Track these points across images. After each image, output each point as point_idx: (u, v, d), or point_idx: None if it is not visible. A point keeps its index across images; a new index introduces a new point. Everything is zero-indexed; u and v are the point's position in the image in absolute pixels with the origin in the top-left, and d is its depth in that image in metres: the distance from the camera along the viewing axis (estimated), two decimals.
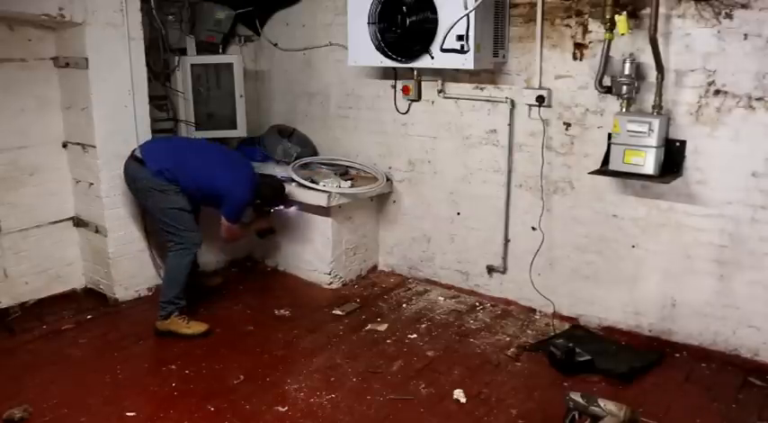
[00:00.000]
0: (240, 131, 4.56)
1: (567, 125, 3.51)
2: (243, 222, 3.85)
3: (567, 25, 3.41)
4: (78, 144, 3.91)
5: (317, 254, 4.24)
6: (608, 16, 3.09)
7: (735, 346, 3.21)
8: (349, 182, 4.09)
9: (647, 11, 3.04)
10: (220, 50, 4.63)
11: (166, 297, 3.58)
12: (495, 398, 2.97)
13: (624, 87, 3.16)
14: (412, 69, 3.85)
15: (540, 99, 3.51)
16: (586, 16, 3.34)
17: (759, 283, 3.09)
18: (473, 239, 4.02)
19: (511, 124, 3.70)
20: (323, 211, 4.06)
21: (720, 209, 3.13)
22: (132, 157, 3.64)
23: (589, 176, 3.35)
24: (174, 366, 3.25)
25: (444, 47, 3.41)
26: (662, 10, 3.02)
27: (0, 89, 3.67)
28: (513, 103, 3.66)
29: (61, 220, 4.05)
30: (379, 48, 3.67)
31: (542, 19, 3.46)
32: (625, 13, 3.00)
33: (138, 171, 3.57)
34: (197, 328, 3.55)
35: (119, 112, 3.86)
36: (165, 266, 3.72)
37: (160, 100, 4.29)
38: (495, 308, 3.92)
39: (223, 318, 3.83)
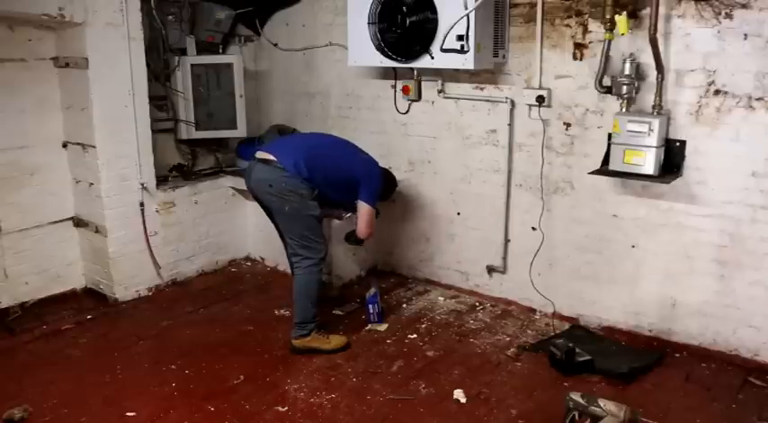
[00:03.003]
0: (240, 131, 4.56)
1: (567, 125, 3.51)
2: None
3: (567, 25, 3.41)
4: (78, 144, 3.91)
5: None
6: (608, 16, 3.09)
7: (735, 346, 3.21)
8: None
9: (647, 11, 3.04)
10: (220, 50, 4.63)
11: (304, 317, 3.37)
12: (495, 398, 2.97)
13: (624, 87, 3.16)
14: (412, 69, 3.85)
15: (540, 99, 3.51)
16: (586, 16, 3.34)
17: (759, 283, 3.09)
18: (473, 239, 4.02)
19: (511, 124, 3.70)
20: None
21: (720, 209, 3.13)
22: (257, 160, 3.37)
23: (589, 176, 3.35)
24: (174, 366, 3.26)
25: (444, 47, 3.40)
26: (662, 10, 3.02)
27: (0, 89, 3.67)
28: (513, 103, 3.66)
29: (61, 220, 4.05)
30: (379, 48, 3.67)
31: (542, 19, 3.46)
32: (625, 13, 3.00)
33: (271, 172, 3.27)
34: (337, 341, 3.39)
35: (119, 112, 3.86)
36: (297, 285, 3.39)
37: (160, 100, 4.29)
38: (495, 308, 3.92)
39: (223, 318, 3.84)
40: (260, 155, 3.37)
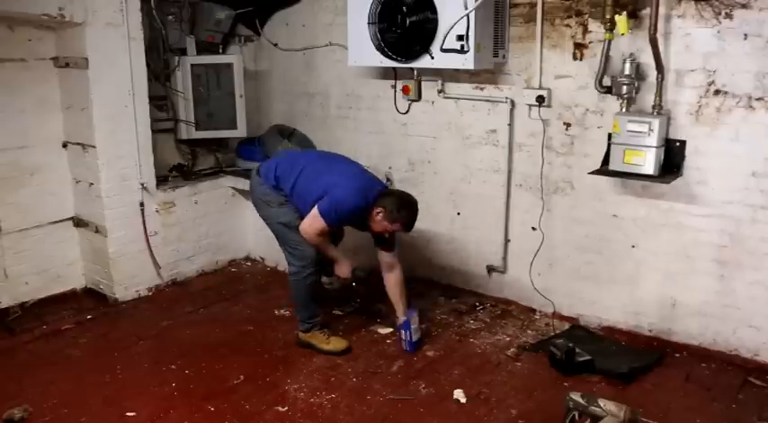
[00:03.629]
0: (240, 131, 4.56)
1: (567, 125, 3.51)
2: (330, 231, 3.31)
3: (567, 25, 3.41)
4: (78, 144, 3.91)
5: None
6: (608, 16, 3.09)
7: (735, 346, 3.21)
8: None
9: (647, 11, 3.04)
10: (220, 50, 4.63)
11: (301, 317, 3.43)
12: (495, 398, 2.97)
13: (624, 87, 3.16)
14: (412, 69, 3.85)
15: (540, 99, 3.51)
16: (586, 16, 3.34)
17: (759, 283, 3.09)
18: (473, 239, 4.02)
19: (511, 124, 3.70)
20: None
21: (720, 209, 3.13)
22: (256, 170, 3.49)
23: (589, 176, 3.34)
24: (174, 366, 3.26)
25: (444, 47, 3.40)
26: (662, 10, 3.02)
27: (0, 89, 3.67)
28: (513, 103, 3.66)
29: (61, 220, 4.05)
30: (379, 48, 3.67)
31: (542, 19, 3.45)
32: (625, 13, 2.99)
33: (252, 180, 3.47)
34: (337, 344, 3.37)
35: (119, 112, 3.86)
36: (290, 290, 3.46)
37: (160, 100, 4.29)
38: (495, 308, 3.92)
39: (223, 318, 3.83)
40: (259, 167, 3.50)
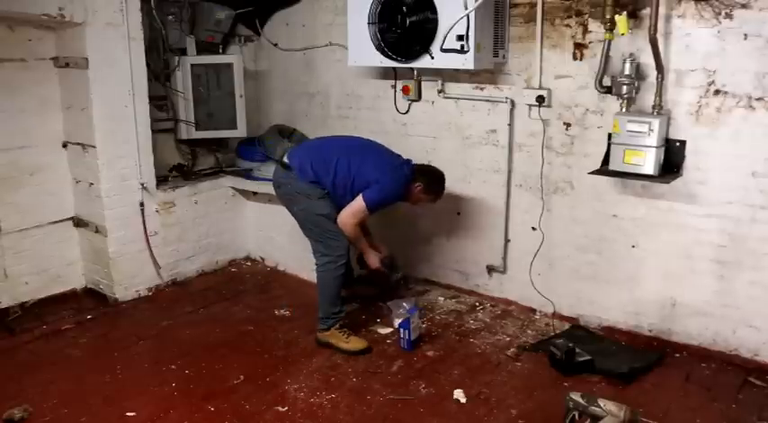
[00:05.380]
0: (240, 131, 4.57)
1: (567, 125, 3.51)
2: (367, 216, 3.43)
3: (567, 25, 3.41)
4: (78, 144, 3.91)
5: None
6: (608, 16, 3.09)
7: (735, 346, 3.21)
8: None
9: (647, 11, 3.04)
10: (220, 50, 4.63)
11: (323, 313, 3.43)
12: (495, 398, 2.97)
13: (624, 87, 3.16)
14: (412, 69, 3.85)
15: (540, 99, 3.51)
16: (586, 16, 3.34)
17: (759, 283, 3.09)
18: (473, 239, 4.02)
19: (511, 124, 3.70)
20: None
21: (720, 209, 3.13)
22: (279, 163, 3.50)
23: (589, 176, 3.34)
24: (174, 366, 3.26)
25: (444, 47, 3.40)
26: (662, 10, 3.02)
27: (0, 89, 3.67)
28: (513, 103, 3.66)
29: (61, 220, 4.05)
30: (379, 48, 3.67)
31: (542, 19, 3.45)
32: (625, 13, 2.99)
33: (282, 175, 3.42)
34: (356, 344, 3.37)
35: (119, 112, 3.86)
36: (318, 281, 3.45)
37: (160, 100, 4.29)
38: (495, 308, 3.92)
39: (223, 318, 3.83)
40: (283, 158, 3.49)
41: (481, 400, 2.95)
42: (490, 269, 3.98)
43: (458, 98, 3.89)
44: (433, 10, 3.39)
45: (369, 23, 3.64)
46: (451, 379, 3.13)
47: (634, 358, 3.23)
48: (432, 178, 3.53)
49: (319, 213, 3.35)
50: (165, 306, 4.01)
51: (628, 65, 3.14)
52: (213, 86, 4.46)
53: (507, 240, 3.88)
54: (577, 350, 3.16)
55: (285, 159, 3.44)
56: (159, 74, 4.26)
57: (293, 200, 3.42)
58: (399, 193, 3.42)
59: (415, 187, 3.45)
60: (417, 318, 3.48)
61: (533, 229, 3.73)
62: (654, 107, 3.11)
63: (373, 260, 3.61)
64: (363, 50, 3.73)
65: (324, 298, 3.44)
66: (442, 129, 4.01)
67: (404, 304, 3.70)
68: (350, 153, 3.42)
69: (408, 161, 3.55)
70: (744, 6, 2.90)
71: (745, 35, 2.92)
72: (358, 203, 3.32)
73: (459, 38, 3.33)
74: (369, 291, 4.03)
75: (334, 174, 3.34)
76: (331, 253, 3.38)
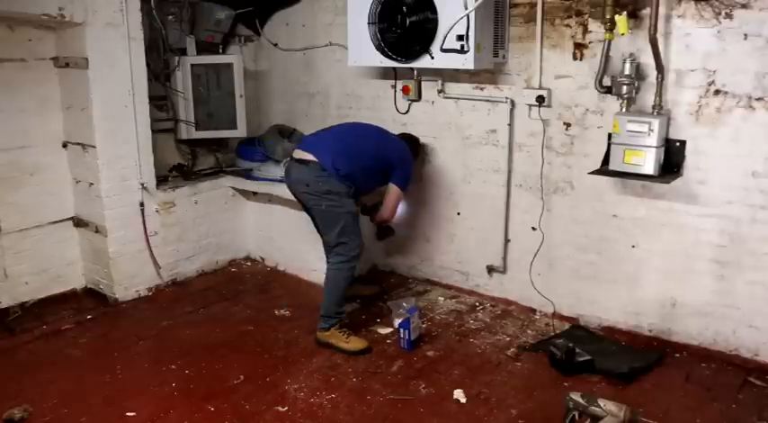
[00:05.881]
0: (240, 131, 4.57)
1: (567, 125, 3.51)
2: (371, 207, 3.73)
3: (567, 25, 3.41)
4: (78, 144, 3.91)
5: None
6: (608, 16, 3.09)
7: (735, 346, 3.21)
8: None
9: (647, 11, 3.04)
10: (220, 50, 4.63)
11: (326, 311, 3.41)
12: (495, 398, 2.97)
13: (624, 87, 3.16)
14: (412, 69, 3.85)
15: (540, 99, 3.51)
16: (586, 16, 3.34)
17: (759, 283, 3.09)
18: (473, 239, 4.02)
19: (511, 124, 3.70)
20: None
21: (720, 209, 3.13)
22: (293, 160, 3.44)
23: (589, 176, 3.34)
24: (174, 366, 3.26)
25: (444, 47, 3.40)
26: (662, 10, 3.02)
27: (0, 89, 3.67)
28: (513, 103, 3.66)
29: (61, 220, 4.05)
30: (379, 48, 3.67)
31: (542, 19, 3.45)
32: (625, 13, 2.99)
33: (308, 172, 3.33)
34: (356, 344, 3.36)
35: (119, 112, 3.86)
36: (326, 280, 3.44)
37: (160, 100, 4.29)
38: (495, 308, 3.92)
39: (223, 318, 3.83)
40: (297, 154, 3.43)
41: (481, 400, 2.95)
42: (490, 269, 3.98)
43: (458, 98, 3.89)
44: (433, 10, 3.39)
45: (369, 23, 3.64)
46: (451, 379, 3.12)
47: (634, 358, 3.23)
48: (415, 143, 3.90)
49: (348, 211, 3.36)
50: (165, 306, 4.01)
51: (628, 65, 3.14)
52: (213, 86, 4.46)
53: (507, 240, 3.88)
54: (577, 350, 3.16)
55: (305, 156, 3.35)
56: (159, 74, 4.25)
57: (320, 198, 3.33)
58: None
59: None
60: (417, 318, 3.48)
61: (533, 229, 3.73)
62: (654, 107, 3.11)
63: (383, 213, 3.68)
64: (363, 50, 3.73)
65: (330, 297, 3.42)
66: (442, 129, 4.01)
67: (404, 304, 3.71)
68: (369, 141, 3.55)
69: (400, 136, 3.80)
70: (744, 6, 2.90)
71: (745, 35, 2.92)
72: (395, 193, 3.52)
73: (459, 38, 3.33)
74: (369, 290, 4.04)
75: (363, 162, 3.40)
76: (347, 253, 3.38)
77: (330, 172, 3.30)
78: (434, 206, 4.14)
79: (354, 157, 3.38)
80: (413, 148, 3.78)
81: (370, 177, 3.48)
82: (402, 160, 3.54)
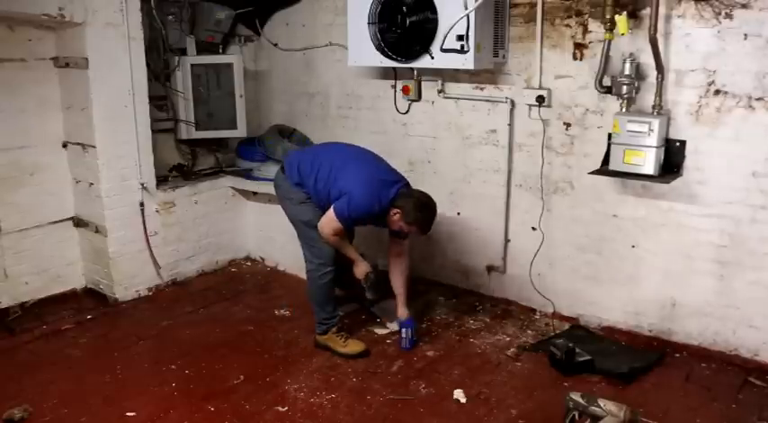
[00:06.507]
0: (240, 131, 4.57)
1: (567, 125, 3.51)
2: (346, 233, 3.35)
3: (567, 25, 3.41)
4: (78, 144, 3.91)
5: None
6: (608, 16, 3.09)
7: (735, 346, 3.21)
8: None
9: (647, 11, 3.04)
10: (220, 50, 4.63)
11: (317, 317, 3.41)
12: (495, 398, 2.97)
13: (624, 87, 3.15)
14: (412, 69, 3.85)
15: (540, 99, 3.51)
16: (586, 16, 3.34)
17: (759, 283, 3.09)
18: (473, 239, 4.02)
19: (511, 124, 3.70)
20: None
21: (720, 209, 3.13)
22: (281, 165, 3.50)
23: (589, 176, 3.34)
24: (174, 366, 3.26)
25: (444, 47, 3.40)
26: (662, 10, 3.02)
27: (0, 89, 3.67)
28: (513, 103, 3.66)
29: (61, 220, 4.05)
30: (379, 48, 3.67)
31: (542, 19, 3.45)
32: (625, 13, 2.99)
33: (277, 177, 3.46)
34: (354, 347, 3.34)
35: (119, 112, 3.86)
36: (306, 287, 3.46)
37: (160, 100, 4.29)
38: (495, 308, 3.92)
39: (223, 318, 3.83)
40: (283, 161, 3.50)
41: (481, 400, 2.95)
42: (490, 269, 3.98)
43: (458, 98, 3.89)
44: (433, 10, 3.39)
45: (369, 23, 3.64)
46: (451, 379, 3.13)
47: (634, 358, 3.23)
48: (415, 206, 3.14)
49: (300, 219, 3.34)
50: (165, 306, 4.01)
51: (628, 65, 3.14)
52: (213, 86, 4.46)
53: (507, 240, 3.88)
54: (577, 350, 3.16)
55: (282, 161, 3.46)
56: (159, 74, 4.25)
57: (283, 203, 3.45)
58: (372, 211, 3.15)
59: (393, 213, 3.16)
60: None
61: (533, 228, 3.73)
62: (654, 107, 3.11)
63: (359, 271, 3.42)
64: (363, 50, 3.73)
65: (314, 304, 3.43)
66: (441, 129, 4.01)
67: (389, 307, 3.67)
68: (337, 160, 3.29)
69: (401, 183, 3.27)
70: (744, 6, 2.90)
71: (745, 35, 2.92)
72: (329, 213, 3.17)
73: (459, 38, 3.33)
74: (371, 294, 3.99)
75: (315, 178, 3.25)
76: (313, 260, 3.35)
77: (287, 177, 3.36)
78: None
79: (308, 170, 3.27)
80: (408, 210, 3.14)
81: (320, 195, 3.26)
82: (353, 191, 3.13)
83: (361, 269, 3.42)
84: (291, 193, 3.35)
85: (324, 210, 3.24)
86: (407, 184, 3.33)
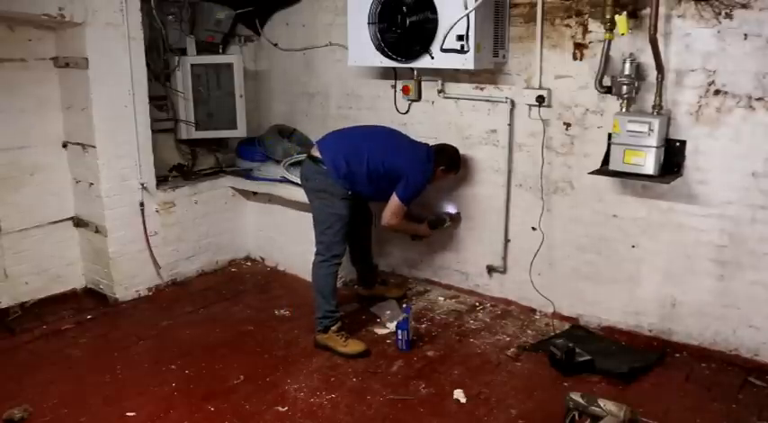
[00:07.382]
0: (240, 131, 4.57)
1: (567, 125, 3.51)
2: (410, 213, 3.69)
3: (567, 25, 3.41)
4: (78, 144, 3.91)
5: None
6: (608, 16, 3.09)
7: (735, 346, 3.21)
8: None
9: (647, 11, 3.04)
10: (220, 50, 4.63)
11: (318, 313, 3.43)
12: (495, 398, 2.97)
13: (624, 87, 3.15)
14: (412, 69, 3.85)
15: (540, 99, 3.51)
16: (586, 16, 3.34)
17: (759, 283, 3.09)
18: (473, 239, 4.02)
19: (511, 124, 3.70)
20: None
21: (720, 209, 3.13)
22: (307, 156, 3.54)
23: (589, 176, 3.34)
24: (173, 366, 3.26)
25: (444, 47, 3.40)
26: (662, 10, 3.02)
27: (0, 89, 3.67)
28: (513, 103, 3.66)
29: (61, 220, 4.05)
30: (379, 48, 3.67)
31: (542, 19, 3.45)
32: (625, 13, 3.00)
33: (310, 168, 3.43)
34: (354, 347, 3.35)
35: (119, 112, 3.86)
36: (312, 278, 3.49)
37: (160, 100, 4.29)
38: (495, 308, 3.92)
39: (223, 318, 3.84)
40: (312, 151, 3.50)
41: (481, 400, 2.95)
42: (490, 269, 3.98)
43: (458, 98, 3.89)
44: (433, 10, 3.39)
45: (369, 23, 3.64)
46: (451, 379, 3.13)
47: (634, 358, 3.23)
48: (451, 156, 3.68)
49: (337, 213, 3.37)
50: (165, 306, 4.01)
51: (628, 65, 3.14)
52: (213, 86, 4.46)
53: (507, 240, 3.88)
54: (577, 350, 3.16)
55: (315, 153, 3.43)
56: (159, 74, 4.25)
57: (317, 195, 3.43)
58: (426, 181, 3.53)
59: (439, 170, 3.59)
60: (410, 317, 3.47)
61: (533, 228, 3.73)
62: (654, 107, 3.11)
63: (425, 232, 3.88)
64: (363, 50, 3.73)
65: (317, 294, 3.44)
66: (441, 129, 4.00)
67: (387, 309, 3.72)
68: (380, 145, 3.49)
69: (427, 147, 3.64)
70: (744, 6, 2.90)
71: (745, 35, 2.92)
72: (395, 203, 3.45)
73: (459, 38, 3.33)
74: (390, 292, 4.03)
75: (366, 166, 3.37)
76: (326, 253, 3.41)
77: (329, 170, 3.33)
78: (434, 206, 4.13)
79: (357, 160, 3.36)
80: (447, 161, 3.63)
81: (374, 183, 3.41)
82: (410, 171, 3.42)
83: (424, 230, 3.88)
84: (334, 188, 3.35)
85: (371, 192, 3.46)
86: (428, 145, 3.69)
